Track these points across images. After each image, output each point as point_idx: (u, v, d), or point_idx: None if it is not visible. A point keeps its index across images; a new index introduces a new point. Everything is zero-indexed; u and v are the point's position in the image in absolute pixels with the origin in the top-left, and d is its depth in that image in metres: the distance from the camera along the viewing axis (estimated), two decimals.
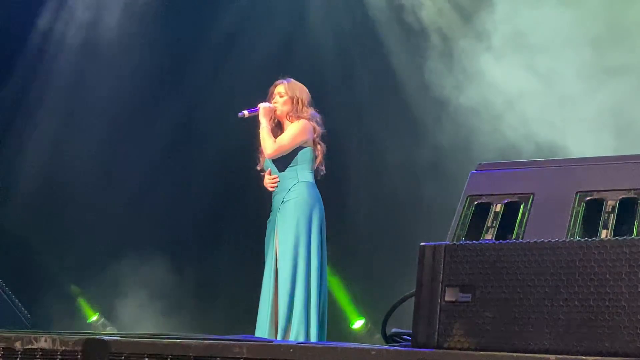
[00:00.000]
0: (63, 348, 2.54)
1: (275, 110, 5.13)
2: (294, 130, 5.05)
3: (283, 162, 5.04)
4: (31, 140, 8.12)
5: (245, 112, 5.15)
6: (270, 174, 5.08)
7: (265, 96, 5.24)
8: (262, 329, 4.89)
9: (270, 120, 5.11)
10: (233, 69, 7.90)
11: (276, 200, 5.03)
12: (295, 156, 5.03)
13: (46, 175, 8.06)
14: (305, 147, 5.06)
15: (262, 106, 5.11)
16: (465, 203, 2.63)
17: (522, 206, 2.54)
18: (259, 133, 5.10)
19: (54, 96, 8.16)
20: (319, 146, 5.10)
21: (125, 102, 8.05)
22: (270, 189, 5.05)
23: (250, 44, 7.95)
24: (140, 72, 8.03)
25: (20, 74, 8.15)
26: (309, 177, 5.03)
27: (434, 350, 2.15)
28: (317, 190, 5.05)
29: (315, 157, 5.09)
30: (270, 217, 5.08)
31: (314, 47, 7.75)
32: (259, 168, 5.21)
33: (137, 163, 8.06)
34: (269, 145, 5.01)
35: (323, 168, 5.13)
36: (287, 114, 5.12)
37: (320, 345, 2.23)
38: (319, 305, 4.88)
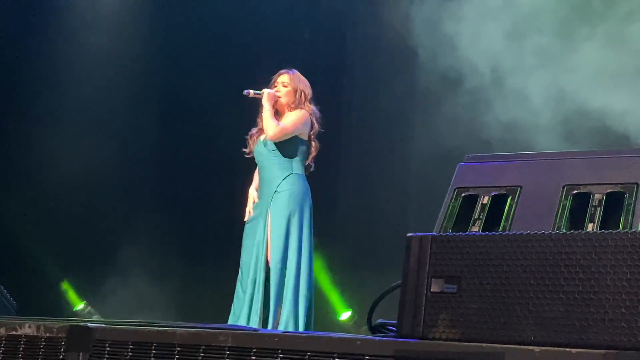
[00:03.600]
0: (47, 334, 2.53)
1: (277, 99, 5.11)
2: (295, 117, 5.06)
3: (279, 150, 5.03)
4: (21, 135, 8.08)
5: (251, 92, 5.10)
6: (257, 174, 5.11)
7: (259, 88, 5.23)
8: (237, 315, 4.90)
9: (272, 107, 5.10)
10: (228, 59, 7.89)
11: (266, 187, 5.02)
12: (292, 146, 5.04)
13: (33, 164, 8.03)
14: (302, 139, 5.07)
15: (267, 91, 5.09)
16: (453, 195, 2.63)
17: (509, 199, 2.55)
18: (261, 117, 5.08)
19: (44, 92, 8.13)
20: (313, 143, 5.12)
21: (115, 96, 8.03)
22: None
23: (244, 33, 7.94)
24: (130, 67, 8.01)
25: (10, 72, 8.11)
26: (301, 169, 5.05)
27: (418, 340, 2.15)
28: (307, 184, 5.07)
29: (309, 153, 5.11)
30: (257, 204, 5.07)
31: (306, 40, 7.75)
32: (247, 150, 5.20)
33: (125, 154, 8.04)
34: (272, 127, 4.99)
35: (313, 164, 5.16)
36: (289, 105, 5.12)
37: (305, 335, 2.23)
38: (307, 297, 4.92)
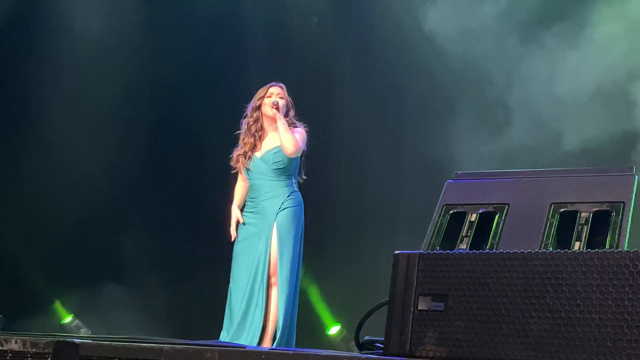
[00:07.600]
0: (33, 350, 2.52)
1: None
2: (303, 135, 4.99)
3: (285, 167, 4.95)
4: (9, 153, 8.05)
5: (279, 104, 4.98)
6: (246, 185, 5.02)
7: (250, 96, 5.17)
8: (230, 332, 4.85)
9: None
10: (216, 69, 7.90)
11: (267, 204, 4.95)
12: (293, 164, 4.98)
13: (22, 178, 8.00)
14: (299, 157, 5.00)
15: (282, 104, 5.00)
16: (441, 212, 2.63)
17: (497, 216, 2.55)
18: (252, 133, 5.00)
19: (33, 113, 8.12)
20: (303, 159, 5.06)
21: (107, 113, 8.03)
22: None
23: (231, 43, 7.96)
24: (121, 74, 8.01)
25: None
26: (297, 185, 5.01)
27: (405, 358, 2.15)
28: None
29: (301, 169, 5.06)
30: (256, 220, 4.96)
31: (296, 49, 7.76)
32: (236, 166, 5.07)
33: (115, 171, 8.03)
34: (293, 142, 4.89)
35: (302, 179, 5.13)
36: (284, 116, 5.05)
37: (292, 352, 2.23)
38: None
